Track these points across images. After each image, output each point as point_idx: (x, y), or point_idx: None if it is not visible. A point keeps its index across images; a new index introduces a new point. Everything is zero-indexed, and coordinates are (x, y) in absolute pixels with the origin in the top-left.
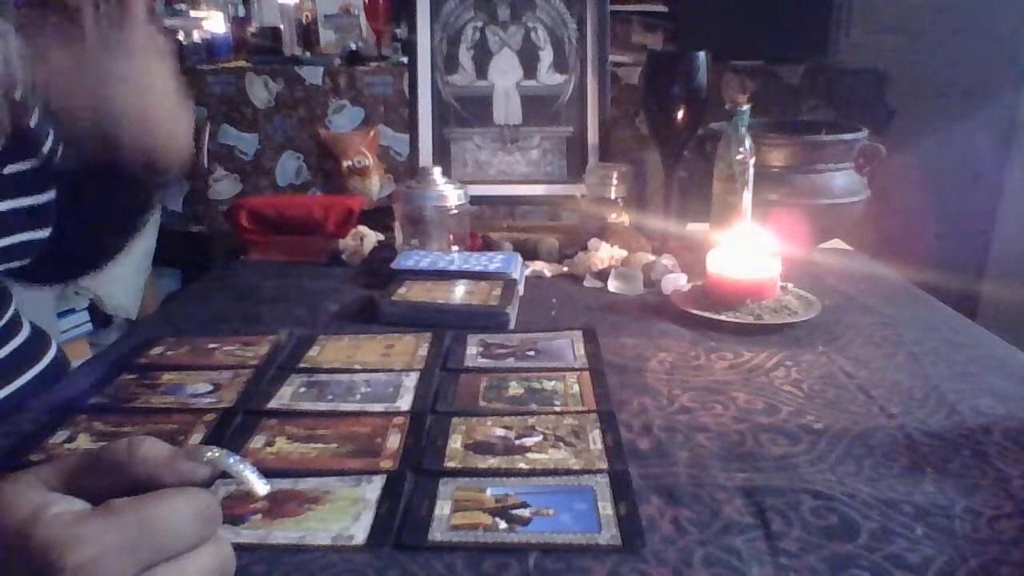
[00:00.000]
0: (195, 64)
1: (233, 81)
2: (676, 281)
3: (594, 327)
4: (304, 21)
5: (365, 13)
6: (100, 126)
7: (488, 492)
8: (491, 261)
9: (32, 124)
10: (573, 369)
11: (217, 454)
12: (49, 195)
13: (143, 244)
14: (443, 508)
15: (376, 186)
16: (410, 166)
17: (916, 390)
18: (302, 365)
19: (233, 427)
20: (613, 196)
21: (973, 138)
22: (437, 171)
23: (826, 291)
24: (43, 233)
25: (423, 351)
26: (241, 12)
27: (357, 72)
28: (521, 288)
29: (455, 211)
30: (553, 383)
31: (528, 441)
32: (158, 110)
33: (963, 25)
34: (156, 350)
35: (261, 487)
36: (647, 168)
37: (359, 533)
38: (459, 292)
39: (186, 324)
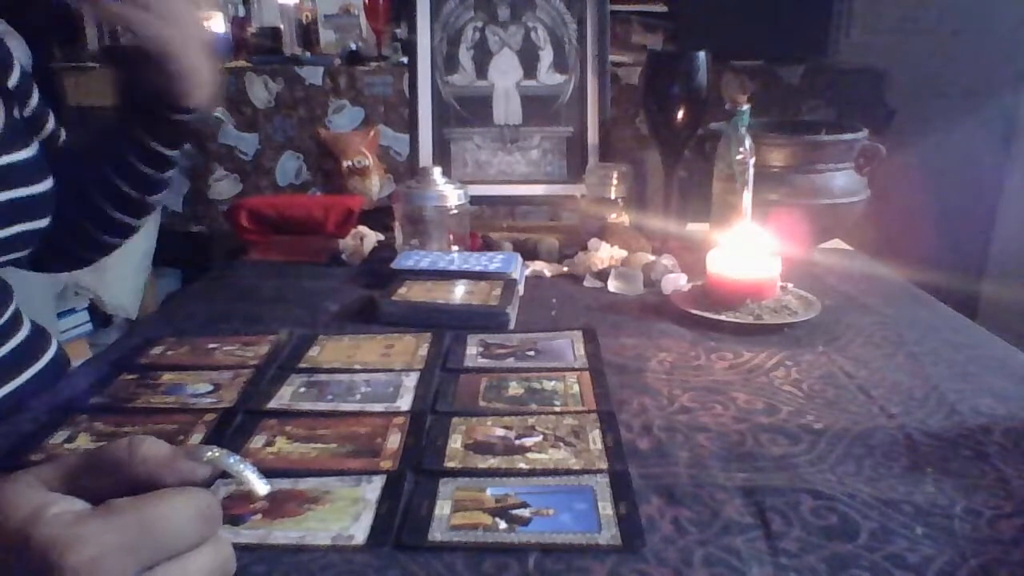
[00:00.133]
0: None
1: (233, 81)
2: (676, 281)
3: (594, 327)
4: (304, 21)
5: (365, 13)
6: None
7: (488, 492)
8: (491, 261)
9: (28, 113)
10: (573, 369)
11: (217, 454)
12: (46, 185)
13: (143, 244)
14: (443, 508)
15: (376, 186)
16: (410, 166)
17: (916, 390)
18: (302, 365)
19: (233, 427)
20: (613, 196)
21: (973, 138)
22: (437, 171)
23: (826, 291)
24: (41, 223)
25: (423, 351)
26: (241, 12)
27: (357, 72)
28: (521, 288)
29: (455, 211)
30: (553, 383)
31: (528, 441)
32: (191, 40)
33: (963, 25)
34: (156, 350)
35: (261, 487)
36: (647, 168)
37: (359, 533)
38: (459, 292)
39: (186, 324)
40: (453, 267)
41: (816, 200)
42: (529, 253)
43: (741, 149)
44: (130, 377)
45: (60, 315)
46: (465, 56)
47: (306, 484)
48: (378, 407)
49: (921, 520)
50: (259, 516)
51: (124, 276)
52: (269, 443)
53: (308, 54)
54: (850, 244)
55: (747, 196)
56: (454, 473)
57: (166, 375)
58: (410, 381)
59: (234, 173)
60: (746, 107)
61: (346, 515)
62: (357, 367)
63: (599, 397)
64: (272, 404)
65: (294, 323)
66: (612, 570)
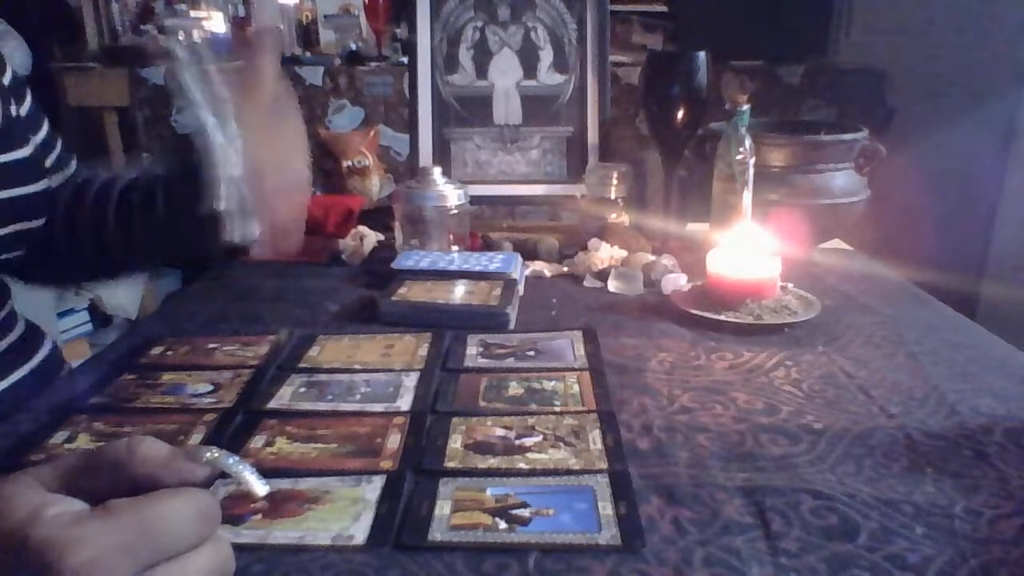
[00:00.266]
0: None
1: None
2: (676, 281)
3: (594, 327)
4: (304, 21)
5: (365, 13)
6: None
7: (488, 492)
8: (491, 261)
9: (23, 113)
10: (573, 369)
11: (216, 454)
12: (41, 185)
13: None
14: (443, 508)
15: (376, 186)
16: (410, 166)
17: (916, 390)
18: (302, 365)
19: (233, 427)
20: (613, 196)
21: (973, 138)
22: (437, 171)
23: (826, 291)
24: (36, 223)
25: (423, 351)
26: (241, 12)
27: (357, 72)
28: (521, 288)
29: (455, 211)
30: (553, 383)
31: (528, 441)
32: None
33: (963, 25)
34: (156, 350)
35: (260, 488)
36: (647, 168)
37: (359, 533)
38: (459, 292)
39: (186, 324)
40: (453, 267)
41: (816, 200)
42: (529, 253)
43: (741, 149)
44: (130, 377)
45: (60, 315)
46: (465, 56)
47: (306, 484)
48: (378, 407)
49: (921, 520)
50: (259, 516)
51: None
52: (269, 443)
53: (308, 54)
54: (850, 244)
55: (747, 196)
56: (454, 473)
57: (166, 375)
58: (410, 381)
59: None
60: (746, 107)
61: (346, 515)
62: (357, 367)
63: (599, 397)
64: (272, 404)
65: (294, 323)
66: (612, 570)
